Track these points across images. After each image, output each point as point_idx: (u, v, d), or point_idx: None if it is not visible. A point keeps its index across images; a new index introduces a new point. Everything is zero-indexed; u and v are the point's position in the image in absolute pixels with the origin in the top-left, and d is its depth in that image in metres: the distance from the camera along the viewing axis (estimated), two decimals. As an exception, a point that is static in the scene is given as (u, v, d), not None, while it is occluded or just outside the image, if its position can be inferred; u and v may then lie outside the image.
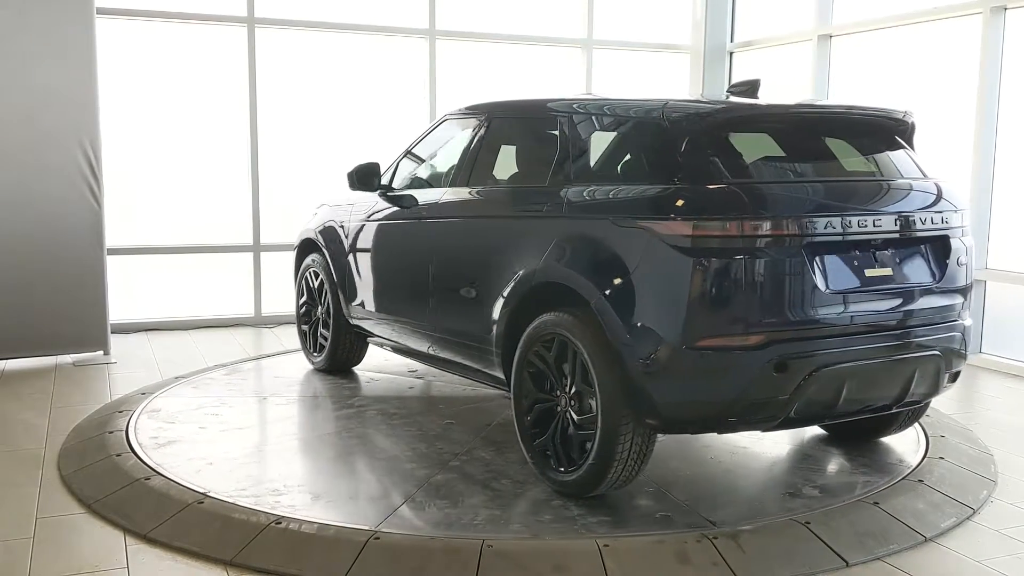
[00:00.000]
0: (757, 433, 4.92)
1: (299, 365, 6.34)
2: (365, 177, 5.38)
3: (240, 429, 4.90)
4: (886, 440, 4.73)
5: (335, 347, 5.95)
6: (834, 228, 3.65)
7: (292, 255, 6.44)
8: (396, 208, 5.28)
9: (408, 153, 5.57)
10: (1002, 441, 4.89)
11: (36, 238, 6.30)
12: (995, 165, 6.72)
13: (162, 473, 4.11)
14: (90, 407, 5.29)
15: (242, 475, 4.16)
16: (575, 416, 3.84)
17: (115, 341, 6.80)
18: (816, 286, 3.55)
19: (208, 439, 4.66)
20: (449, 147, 5.21)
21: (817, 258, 3.60)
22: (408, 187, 5.31)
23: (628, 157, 4.02)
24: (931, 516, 3.80)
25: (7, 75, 6.17)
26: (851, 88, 8.13)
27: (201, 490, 3.91)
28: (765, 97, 4.38)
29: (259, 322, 8.00)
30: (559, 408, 3.93)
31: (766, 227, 3.50)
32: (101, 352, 6.61)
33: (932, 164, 4.26)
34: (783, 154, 3.98)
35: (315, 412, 5.26)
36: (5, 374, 6.19)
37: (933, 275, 3.92)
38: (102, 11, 6.97)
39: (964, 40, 6.96)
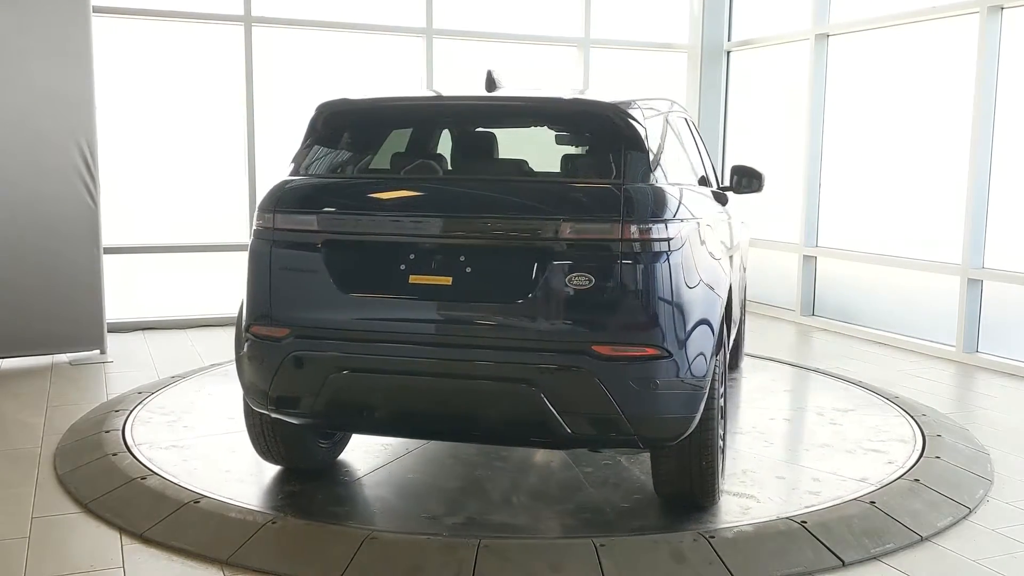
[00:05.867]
0: (763, 429, 4.93)
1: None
2: None
3: (238, 429, 4.88)
4: (882, 439, 4.74)
5: None
6: (360, 228, 3.51)
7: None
8: None
9: None
10: (998, 440, 4.89)
11: (32, 237, 6.28)
12: (992, 164, 6.73)
13: (158, 472, 4.11)
14: (86, 406, 5.28)
15: (240, 473, 4.16)
16: None
17: (112, 340, 6.79)
18: (333, 286, 3.45)
19: (206, 439, 4.66)
20: None
21: (340, 258, 3.49)
22: None
23: None
24: (928, 515, 3.80)
25: (3, 75, 6.15)
26: (848, 87, 8.14)
27: (197, 490, 3.91)
28: (536, 88, 4.12)
29: (256, 321, 7.97)
30: None
31: (283, 222, 3.57)
32: (98, 351, 6.60)
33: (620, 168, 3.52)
34: (379, 147, 3.98)
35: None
36: (1, 373, 6.17)
37: (516, 294, 3.31)
38: (98, 9, 6.96)
39: (961, 39, 6.97)
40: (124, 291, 7.60)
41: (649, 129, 3.69)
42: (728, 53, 9.56)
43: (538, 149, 4.15)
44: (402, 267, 3.42)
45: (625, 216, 3.28)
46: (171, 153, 7.91)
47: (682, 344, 3.34)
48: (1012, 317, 6.76)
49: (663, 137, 3.97)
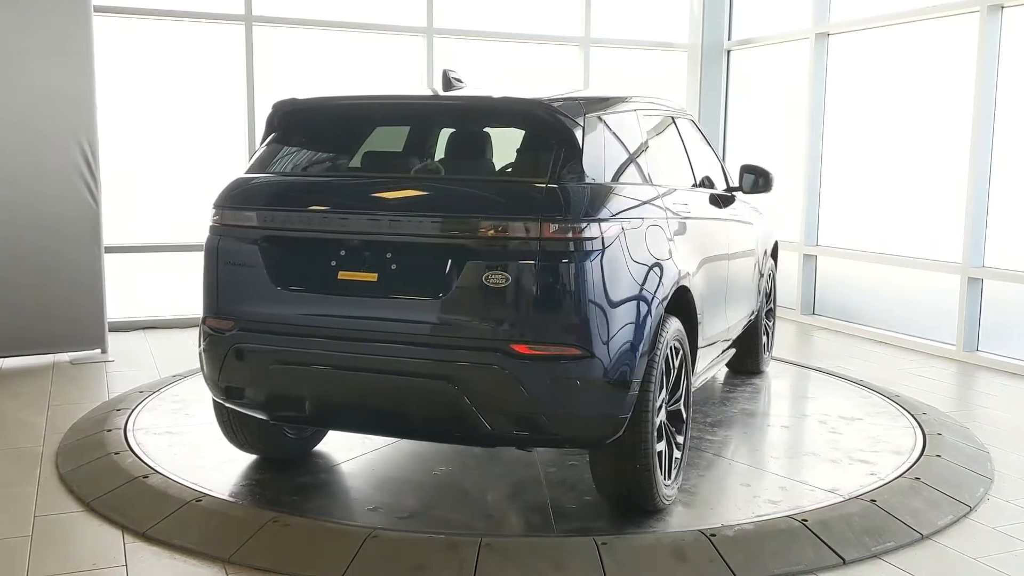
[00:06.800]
0: (754, 436, 4.94)
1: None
2: None
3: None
4: (882, 438, 4.75)
5: None
6: (293, 225, 3.62)
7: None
8: None
9: None
10: (999, 439, 4.90)
11: (34, 237, 6.28)
12: (992, 163, 6.73)
13: (160, 471, 4.12)
14: (88, 405, 5.29)
15: (241, 473, 4.17)
16: None
17: (113, 339, 6.79)
18: (271, 281, 3.59)
19: (207, 437, 4.65)
20: None
21: (276, 253, 3.63)
22: None
23: None
24: (928, 514, 3.81)
25: (4, 74, 6.16)
26: (849, 86, 8.14)
27: (199, 488, 3.92)
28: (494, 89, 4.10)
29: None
30: None
31: (230, 218, 3.74)
32: (99, 350, 6.61)
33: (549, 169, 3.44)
34: (325, 146, 4.04)
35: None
36: (2, 372, 6.18)
37: (434, 291, 3.36)
38: (99, 9, 6.96)
39: (961, 38, 6.97)
40: (125, 290, 7.61)
41: (591, 128, 3.64)
42: (728, 52, 9.56)
43: (500, 148, 4.12)
44: (332, 263, 3.51)
45: (544, 215, 3.27)
46: (172, 152, 7.92)
47: (604, 344, 3.33)
48: (1012, 316, 6.77)
49: (620, 136, 3.91)
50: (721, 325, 4.83)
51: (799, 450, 4.71)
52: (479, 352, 3.31)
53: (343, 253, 3.51)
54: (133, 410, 5.05)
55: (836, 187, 8.34)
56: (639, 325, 3.48)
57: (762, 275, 5.90)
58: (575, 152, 3.51)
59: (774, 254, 6.34)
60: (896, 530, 3.64)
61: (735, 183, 5.38)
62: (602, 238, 3.35)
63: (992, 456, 4.58)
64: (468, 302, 3.32)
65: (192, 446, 4.53)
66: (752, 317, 5.76)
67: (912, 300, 7.60)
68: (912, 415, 5.14)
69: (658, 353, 3.57)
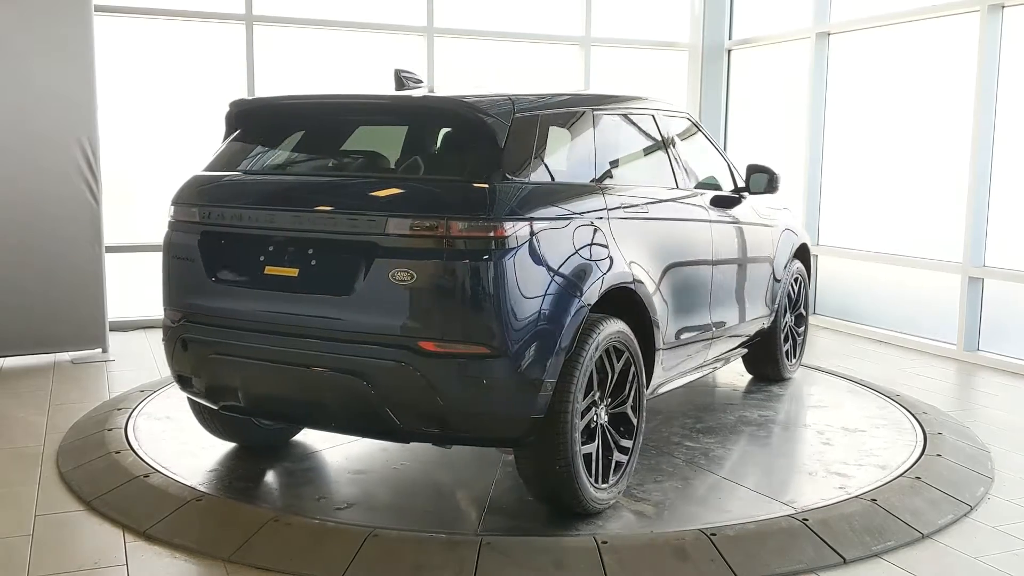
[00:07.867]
0: (742, 443, 4.93)
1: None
2: None
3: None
4: (883, 438, 4.75)
5: None
6: (226, 221, 3.75)
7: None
8: None
9: None
10: (999, 438, 4.90)
11: (35, 236, 6.29)
12: (992, 162, 6.73)
13: (161, 470, 4.12)
14: (89, 405, 5.29)
15: (241, 472, 4.18)
16: None
17: (114, 339, 6.80)
18: (209, 275, 3.75)
19: (208, 436, 4.66)
20: None
21: (214, 248, 3.77)
22: None
23: None
24: (928, 513, 3.81)
25: (4, 74, 6.16)
26: (849, 85, 8.15)
27: (200, 487, 3.92)
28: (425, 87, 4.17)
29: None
30: None
31: (179, 214, 3.92)
32: (100, 350, 6.61)
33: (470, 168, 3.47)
34: (267, 144, 4.10)
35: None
36: (3, 372, 6.18)
37: (347, 287, 3.39)
38: (100, 8, 6.96)
39: (962, 38, 6.97)
40: (125, 290, 7.60)
41: (519, 127, 3.57)
42: (729, 52, 9.56)
43: (429, 147, 4.13)
44: (261, 258, 3.62)
45: (451, 213, 3.27)
46: (173, 152, 7.90)
47: (514, 343, 3.30)
48: (1013, 316, 6.77)
49: (562, 136, 3.87)
50: (698, 330, 4.66)
51: (779, 460, 4.56)
52: (386, 349, 3.34)
53: (270, 248, 3.61)
54: (134, 409, 5.05)
55: (837, 187, 8.33)
56: (554, 325, 3.41)
57: (778, 280, 5.63)
58: (494, 151, 3.48)
59: (803, 256, 6.05)
60: (896, 529, 3.65)
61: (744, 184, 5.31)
62: (515, 236, 3.31)
63: (992, 455, 4.58)
64: (379, 299, 3.35)
65: (177, 420, 4.56)
66: (766, 322, 5.58)
67: (913, 300, 7.60)
68: (912, 414, 5.14)
69: (584, 354, 3.52)
